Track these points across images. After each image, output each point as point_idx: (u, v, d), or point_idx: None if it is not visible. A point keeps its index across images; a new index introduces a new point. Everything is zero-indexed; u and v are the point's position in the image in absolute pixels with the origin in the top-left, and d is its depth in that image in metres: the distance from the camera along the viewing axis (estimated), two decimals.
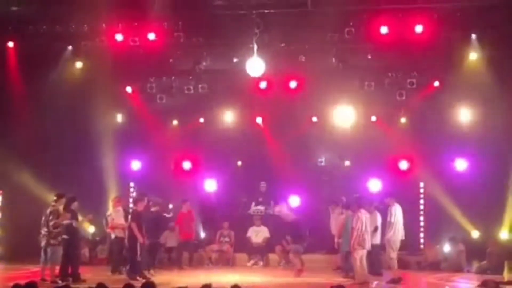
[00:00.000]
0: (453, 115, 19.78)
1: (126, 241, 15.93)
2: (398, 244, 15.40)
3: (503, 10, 16.57)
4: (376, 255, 16.67)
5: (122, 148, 20.39)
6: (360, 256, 14.84)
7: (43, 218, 14.89)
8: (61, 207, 14.99)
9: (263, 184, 21.05)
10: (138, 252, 15.45)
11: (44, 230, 14.79)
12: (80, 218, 15.68)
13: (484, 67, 18.30)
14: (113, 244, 17.08)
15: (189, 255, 18.74)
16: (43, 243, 14.79)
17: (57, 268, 14.77)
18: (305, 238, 16.82)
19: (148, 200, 16.55)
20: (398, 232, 15.30)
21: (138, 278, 14.70)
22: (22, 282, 9.19)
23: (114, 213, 16.87)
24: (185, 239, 18.57)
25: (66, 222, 14.87)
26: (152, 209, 16.99)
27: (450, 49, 17.99)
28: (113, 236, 16.93)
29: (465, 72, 18.49)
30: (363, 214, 14.87)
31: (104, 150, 19.89)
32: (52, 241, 14.69)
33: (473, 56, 18.39)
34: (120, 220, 16.63)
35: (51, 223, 14.68)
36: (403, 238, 15.50)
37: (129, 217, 15.89)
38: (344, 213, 16.47)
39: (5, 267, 17.97)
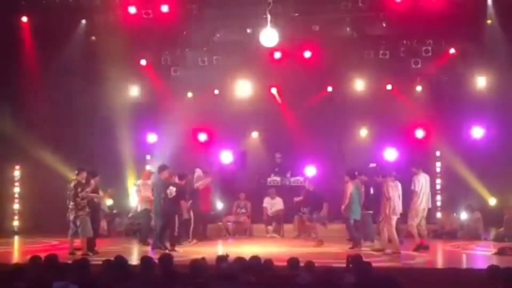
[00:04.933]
0: (469, 83, 19.58)
1: (154, 213, 16.19)
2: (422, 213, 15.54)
3: None
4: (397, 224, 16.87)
5: (138, 121, 20.42)
6: (395, 224, 15.10)
7: (67, 193, 15.01)
8: (83, 181, 15.13)
9: (278, 155, 21.07)
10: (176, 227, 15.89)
11: (71, 204, 14.90)
12: (101, 193, 15.79)
13: (500, 34, 18.10)
14: (140, 217, 17.24)
15: (203, 226, 18.77)
16: (71, 217, 14.88)
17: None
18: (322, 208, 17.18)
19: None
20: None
21: (163, 249, 15.02)
22: (42, 255, 9.33)
23: (142, 186, 16.99)
24: (203, 211, 18.61)
25: (89, 196, 15.05)
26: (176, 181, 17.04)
27: (466, 15, 17.76)
28: (139, 208, 17.10)
29: (481, 39, 18.30)
30: (392, 183, 15.10)
31: (119, 123, 19.95)
32: (80, 213, 14.81)
33: (489, 22, 18.18)
34: (147, 193, 16.74)
35: (80, 195, 14.81)
36: (430, 206, 15.80)
37: (171, 191, 15.87)
38: (348, 181, 16.47)
39: (24, 241, 18.17)
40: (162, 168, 16.25)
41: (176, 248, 15.45)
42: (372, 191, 16.62)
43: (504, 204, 18.85)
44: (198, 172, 18.26)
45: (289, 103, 21.22)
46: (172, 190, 15.84)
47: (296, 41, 18.97)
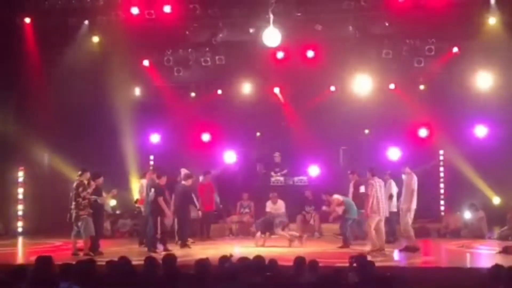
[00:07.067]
0: (472, 81, 19.54)
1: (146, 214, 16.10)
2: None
3: None
4: (391, 223, 16.82)
5: (141, 121, 20.44)
6: (374, 223, 14.95)
7: (71, 194, 15.00)
8: (86, 181, 15.12)
9: (276, 154, 21.01)
10: (158, 229, 15.61)
11: (73, 205, 14.89)
12: (104, 194, 15.79)
13: (503, 32, 18.05)
14: (140, 217, 17.28)
15: (206, 226, 18.71)
16: (73, 217, 14.89)
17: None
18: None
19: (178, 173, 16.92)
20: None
21: (157, 250, 14.90)
22: (46, 256, 9.31)
23: (144, 187, 16.93)
24: (206, 210, 18.58)
25: (90, 197, 15.03)
26: (183, 182, 16.97)
27: (469, 14, 17.76)
28: (141, 208, 17.09)
29: (484, 38, 18.24)
30: (377, 182, 14.98)
31: (123, 124, 19.97)
32: (81, 213, 14.80)
33: (492, 20, 18.11)
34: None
35: (82, 194, 14.81)
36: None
37: (152, 191, 15.86)
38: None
39: (28, 242, 18.17)
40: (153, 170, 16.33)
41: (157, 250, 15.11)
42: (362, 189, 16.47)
43: (508, 203, 18.83)
44: (184, 171, 17.94)
45: (292, 103, 21.24)
46: (152, 191, 15.84)
47: (298, 40, 18.97)
